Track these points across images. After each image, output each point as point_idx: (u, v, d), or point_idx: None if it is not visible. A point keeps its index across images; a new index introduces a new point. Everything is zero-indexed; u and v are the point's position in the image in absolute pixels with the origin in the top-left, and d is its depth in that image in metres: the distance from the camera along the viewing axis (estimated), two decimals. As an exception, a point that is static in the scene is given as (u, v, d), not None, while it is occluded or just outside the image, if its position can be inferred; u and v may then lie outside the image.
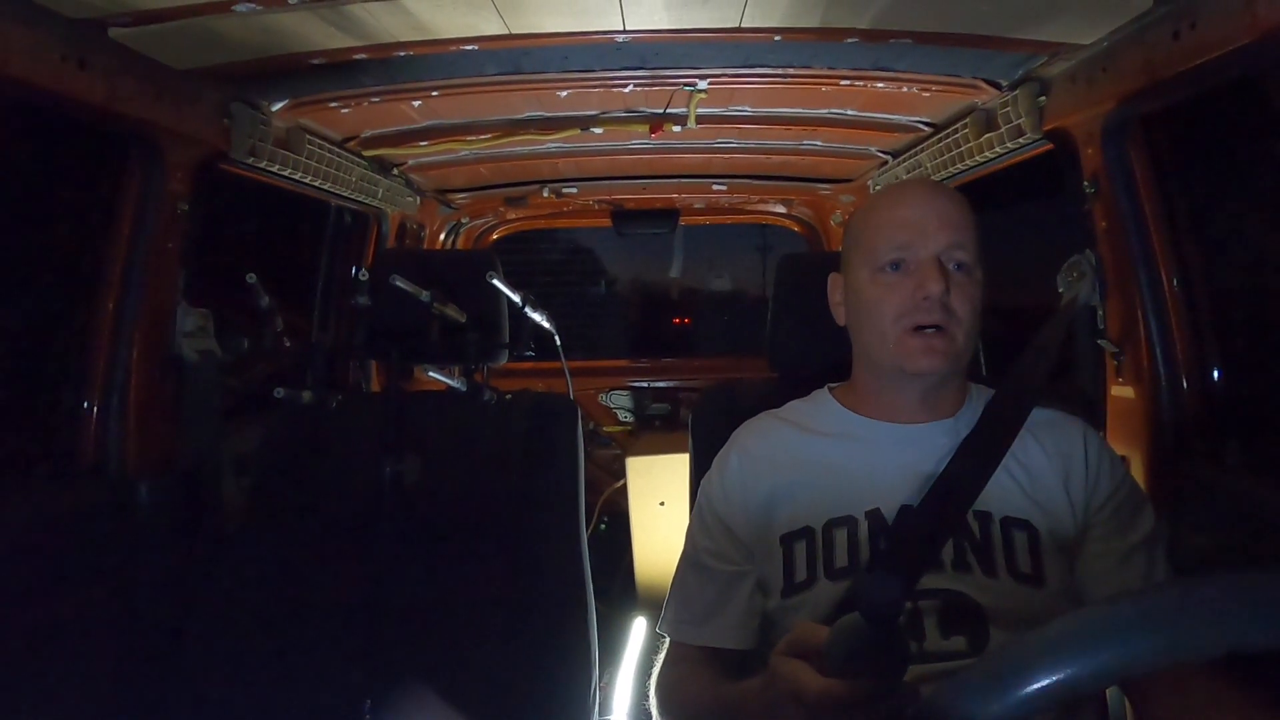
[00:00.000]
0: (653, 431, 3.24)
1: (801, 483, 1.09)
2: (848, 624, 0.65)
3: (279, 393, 1.54)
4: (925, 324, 1.02)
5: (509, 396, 1.64)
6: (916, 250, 1.02)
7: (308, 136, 1.85)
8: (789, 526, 1.07)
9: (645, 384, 3.36)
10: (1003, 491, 1.03)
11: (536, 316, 1.89)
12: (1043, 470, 1.06)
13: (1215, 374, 1.43)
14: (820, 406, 1.17)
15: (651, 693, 1.11)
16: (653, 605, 2.73)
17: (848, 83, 1.69)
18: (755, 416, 1.20)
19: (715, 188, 2.95)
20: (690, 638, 1.10)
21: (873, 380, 1.12)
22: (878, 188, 2.56)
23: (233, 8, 1.22)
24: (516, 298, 1.75)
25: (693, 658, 1.09)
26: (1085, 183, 1.50)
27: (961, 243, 1.02)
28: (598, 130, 2.06)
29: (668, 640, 1.13)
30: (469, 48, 1.49)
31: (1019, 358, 1.15)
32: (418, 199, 2.66)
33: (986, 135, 1.73)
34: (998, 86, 1.63)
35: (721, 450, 1.17)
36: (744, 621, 1.08)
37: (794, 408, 1.20)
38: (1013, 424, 1.04)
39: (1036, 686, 0.50)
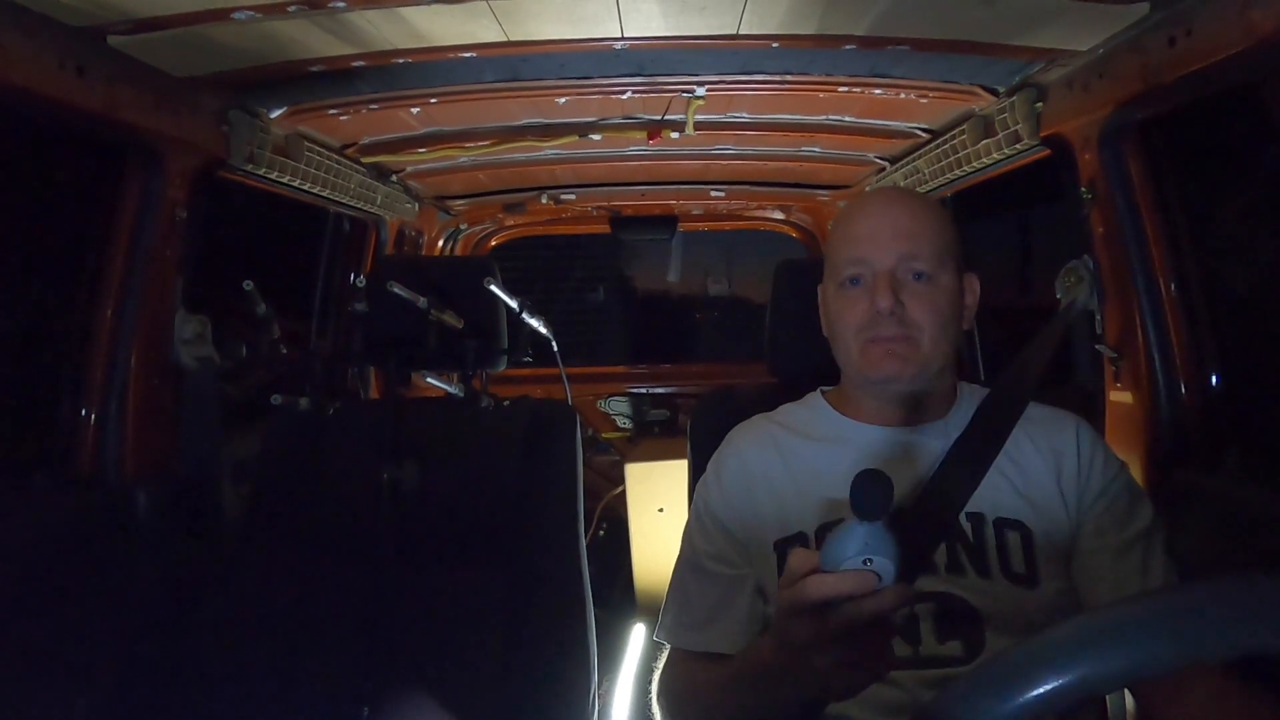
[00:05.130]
0: (651, 438, 3.24)
1: (794, 487, 1.09)
2: (838, 531, 0.71)
3: (276, 400, 1.54)
4: (882, 337, 1.03)
5: (507, 403, 1.64)
6: (871, 264, 1.04)
7: (306, 144, 1.85)
8: (781, 532, 1.07)
9: (644, 390, 3.36)
10: (995, 492, 1.03)
11: (534, 322, 1.89)
12: (1036, 468, 1.06)
13: (1213, 379, 1.43)
14: (813, 410, 1.18)
15: (654, 701, 1.11)
16: (652, 611, 2.72)
17: (845, 89, 1.70)
18: (748, 420, 1.21)
19: (714, 194, 2.95)
20: (691, 643, 1.09)
21: (853, 388, 1.14)
22: (875, 194, 2.57)
23: (231, 15, 1.22)
24: (514, 304, 1.75)
25: (694, 662, 1.08)
26: (1083, 188, 1.50)
27: (916, 252, 1.03)
28: (596, 137, 2.07)
29: (667, 648, 1.12)
30: (467, 55, 1.49)
31: (1013, 360, 1.16)
32: (416, 206, 2.66)
33: (984, 141, 1.74)
34: (995, 92, 1.63)
35: (716, 453, 1.18)
36: (746, 626, 1.07)
37: (787, 411, 1.20)
38: (1004, 425, 1.04)
39: (1042, 690, 0.50)
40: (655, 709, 1.10)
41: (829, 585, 0.70)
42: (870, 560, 0.69)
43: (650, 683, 1.13)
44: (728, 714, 0.98)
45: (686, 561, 1.14)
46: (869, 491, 0.68)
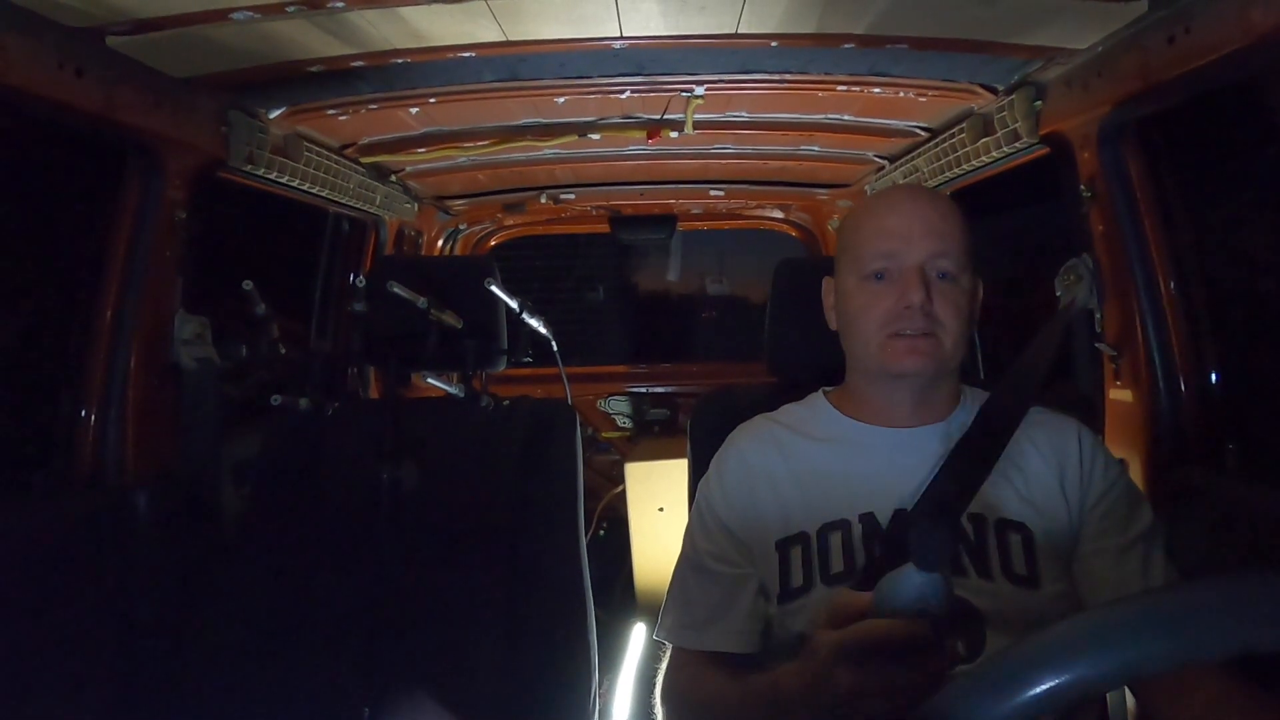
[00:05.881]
0: (651, 437, 3.24)
1: (795, 487, 1.09)
2: (895, 577, 0.68)
3: (276, 400, 1.54)
4: (908, 332, 1.02)
5: (507, 403, 1.64)
6: (900, 259, 1.03)
7: (305, 144, 1.85)
8: (783, 532, 1.07)
9: (643, 389, 3.36)
10: (997, 493, 1.03)
11: (534, 322, 1.89)
12: (1038, 471, 1.06)
13: (1213, 377, 1.43)
14: (814, 410, 1.18)
15: (658, 703, 1.10)
16: (652, 611, 2.71)
17: (844, 88, 1.70)
18: (750, 420, 1.20)
19: (713, 193, 2.95)
20: (693, 643, 1.08)
21: (864, 384, 1.13)
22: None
23: (230, 16, 1.22)
24: (514, 304, 1.75)
25: (698, 663, 1.07)
26: (1082, 186, 1.50)
27: (945, 251, 1.03)
28: (595, 136, 2.07)
29: (670, 648, 1.12)
30: (466, 55, 1.49)
31: (1015, 361, 1.16)
32: (415, 205, 2.66)
33: (983, 140, 1.74)
34: (994, 91, 1.63)
35: (718, 453, 1.17)
36: (748, 625, 1.07)
37: (789, 411, 1.20)
38: (1007, 427, 1.04)
39: (1042, 689, 0.50)
40: (658, 712, 1.10)
41: (883, 632, 0.68)
42: (925, 610, 0.66)
43: (652, 683, 1.12)
44: None
45: (688, 561, 1.14)
46: (930, 541, 0.65)
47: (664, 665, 1.11)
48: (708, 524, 1.12)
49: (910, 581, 0.66)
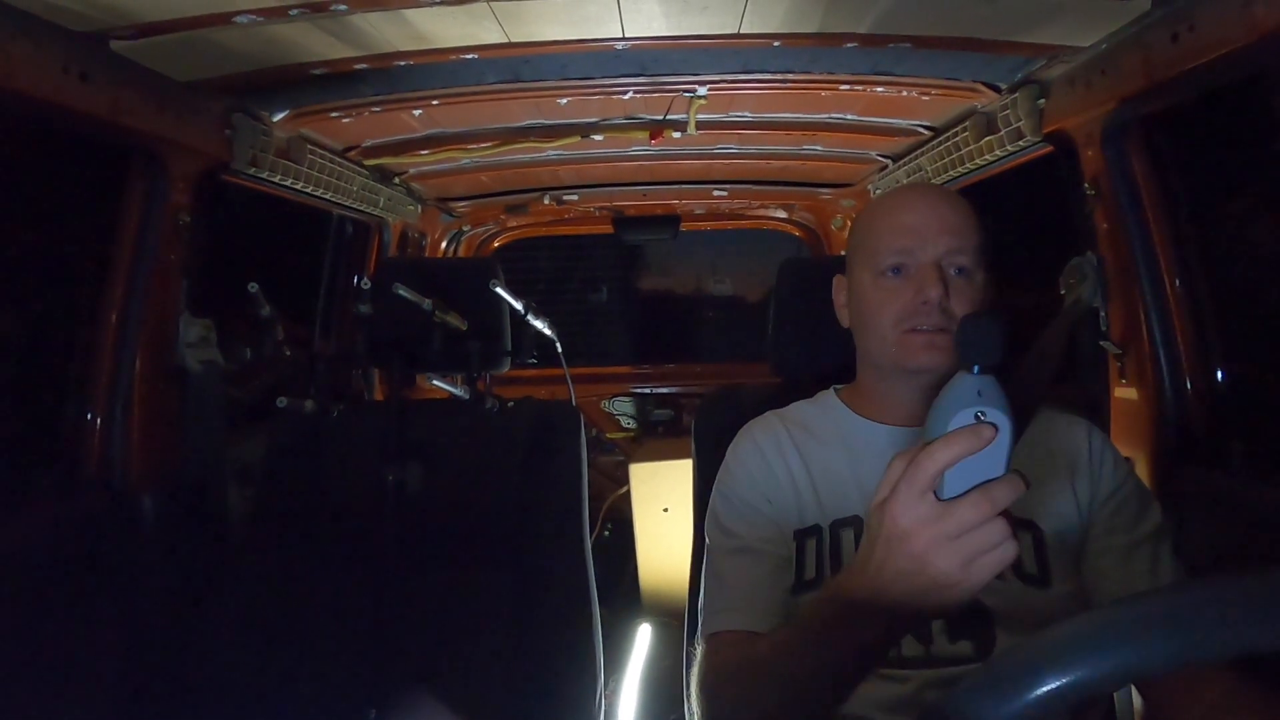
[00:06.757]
0: (656, 438, 3.24)
1: (807, 484, 1.09)
2: (947, 392, 0.62)
3: (281, 402, 1.54)
4: (924, 328, 1.02)
5: (511, 404, 1.64)
6: (917, 255, 1.03)
7: (309, 146, 1.85)
8: (799, 524, 1.07)
9: (648, 390, 3.36)
10: None
11: (538, 324, 1.89)
12: (1047, 470, 1.05)
13: (1218, 375, 1.43)
14: (825, 408, 1.18)
15: (694, 695, 1.00)
16: (657, 611, 2.73)
17: (847, 87, 1.70)
18: (761, 416, 1.20)
19: (716, 193, 2.95)
20: (732, 624, 1.02)
21: (876, 382, 1.12)
22: (878, 192, 2.57)
23: (233, 19, 1.22)
24: (519, 305, 1.75)
25: (737, 641, 1.00)
26: (1086, 185, 1.50)
27: (962, 247, 1.03)
28: (598, 137, 2.07)
29: (700, 647, 1.04)
30: (469, 57, 1.49)
31: (1022, 361, 1.15)
32: (419, 207, 2.67)
33: (986, 138, 1.73)
34: (997, 89, 1.63)
35: (733, 445, 1.17)
36: (784, 612, 1.02)
37: (799, 408, 1.20)
38: (1017, 426, 1.04)
39: (1047, 689, 0.50)
40: (693, 704, 1.00)
41: (947, 450, 0.63)
42: (983, 414, 0.60)
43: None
44: (773, 687, 0.87)
45: (720, 549, 1.10)
46: (980, 335, 0.59)
47: (697, 658, 1.03)
48: (739, 509, 1.10)
49: (963, 385, 0.60)
